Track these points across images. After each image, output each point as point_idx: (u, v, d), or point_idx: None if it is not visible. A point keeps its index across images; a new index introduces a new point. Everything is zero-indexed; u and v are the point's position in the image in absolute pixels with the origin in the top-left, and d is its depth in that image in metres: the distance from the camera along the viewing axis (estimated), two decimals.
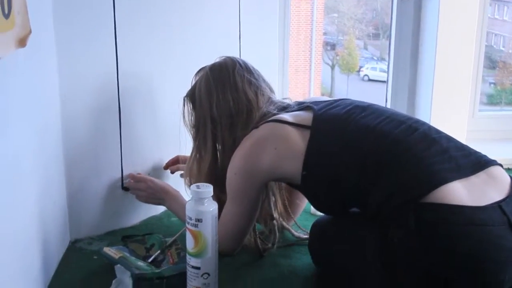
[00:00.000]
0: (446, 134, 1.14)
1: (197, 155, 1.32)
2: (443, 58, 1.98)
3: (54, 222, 1.26)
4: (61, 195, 1.34)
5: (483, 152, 1.13)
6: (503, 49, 3.66)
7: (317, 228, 1.26)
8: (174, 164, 1.55)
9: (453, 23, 1.97)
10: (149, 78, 1.48)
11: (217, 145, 1.31)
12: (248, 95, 1.26)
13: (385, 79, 2.24)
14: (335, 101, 1.24)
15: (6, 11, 0.87)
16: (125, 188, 1.47)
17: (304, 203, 1.48)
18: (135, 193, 1.46)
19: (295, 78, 6.84)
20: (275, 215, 1.33)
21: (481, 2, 2.05)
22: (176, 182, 1.49)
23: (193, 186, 1.06)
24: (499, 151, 1.71)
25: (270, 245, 1.33)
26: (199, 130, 1.31)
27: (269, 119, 1.22)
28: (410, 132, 1.10)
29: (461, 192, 1.01)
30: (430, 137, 1.10)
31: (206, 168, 1.30)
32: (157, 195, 1.43)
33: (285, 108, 1.28)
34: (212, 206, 1.05)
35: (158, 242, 1.31)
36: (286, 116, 1.21)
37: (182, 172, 1.48)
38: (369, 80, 7.38)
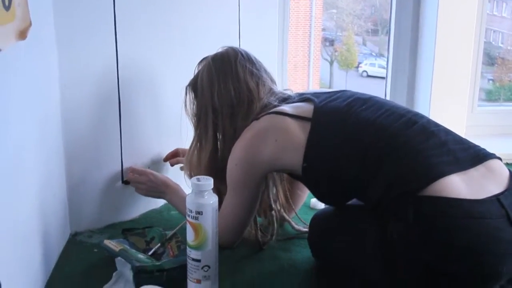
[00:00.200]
0: (444, 127, 1.15)
1: (198, 144, 1.32)
2: (442, 53, 1.99)
3: (54, 215, 1.27)
4: (61, 187, 1.34)
5: (482, 147, 1.13)
6: (501, 45, 3.67)
7: (316, 222, 1.26)
8: (173, 157, 1.55)
9: (452, 19, 1.97)
10: (149, 70, 1.48)
11: (218, 135, 1.31)
12: (249, 85, 1.26)
13: (384, 75, 2.24)
14: (336, 92, 1.25)
15: (7, 3, 0.87)
16: (125, 182, 1.47)
17: (305, 194, 1.49)
18: (136, 186, 1.46)
19: (294, 74, 6.85)
20: (274, 205, 1.34)
21: None
22: (175, 175, 1.49)
23: (194, 179, 1.06)
24: (498, 146, 1.71)
25: (269, 236, 1.33)
26: (200, 119, 1.31)
27: (270, 111, 1.23)
28: (410, 125, 1.11)
29: (460, 185, 1.01)
30: (428, 130, 1.11)
31: (206, 158, 1.30)
32: (157, 188, 1.43)
33: (286, 99, 1.28)
34: (212, 199, 1.06)
35: (158, 235, 1.32)
36: (286, 108, 1.22)
37: (182, 165, 1.48)
38: (368, 76, 7.39)
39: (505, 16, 3.32)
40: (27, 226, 1.06)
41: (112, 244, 1.23)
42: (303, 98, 1.26)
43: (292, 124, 1.18)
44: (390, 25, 2.12)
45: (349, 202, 1.20)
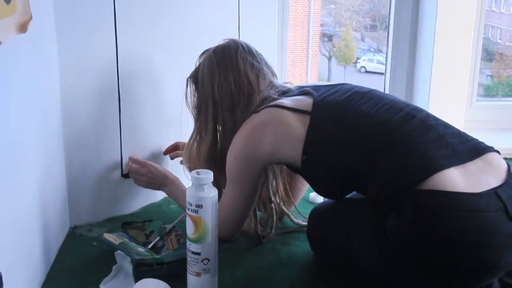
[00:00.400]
0: (443, 121, 1.15)
1: (198, 136, 1.33)
2: (441, 49, 1.99)
3: (54, 208, 1.27)
4: (61, 181, 1.34)
5: (481, 140, 1.13)
6: (499, 41, 3.66)
7: (315, 215, 1.27)
8: (173, 150, 1.56)
9: (451, 14, 1.97)
10: (149, 64, 1.48)
11: (218, 127, 1.32)
12: (249, 77, 1.26)
13: (382, 71, 2.25)
14: (335, 85, 1.25)
15: None
16: (125, 175, 1.48)
17: (305, 187, 1.49)
18: (136, 177, 1.46)
19: (292, 69, 6.83)
20: (274, 198, 1.35)
21: None
22: (175, 168, 1.50)
23: (193, 172, 1.06)
24: (497, 141, 1.70)
25: (268, 230, 1.34)
26: (200, 111, 1.32)
27: (269, 104, 1.23)
28: (408, 119, 1.11)
29: (457, 178, 1.01)
30: (427, 123, 1.11)
31: (205, 150, 1.31)
32: (158, 180, 1.43)
33: (285, 93, 1.28)
34: (212, 192, 1.06)
35: (158, 228, 1.32)
36: (286, 101, 1.22)
37: (182, 158, 1.48)
38: (366, 71, 7.38)
39: (504, 12, 3.32)
40: (27, 219, 1.07)
41: (111, 238, 1.23)
42: (302, 91, 1.26)
43: (291, 117, 1.18)
44: (389, 20, 2.12)
45: (348, 196, 1.21)
